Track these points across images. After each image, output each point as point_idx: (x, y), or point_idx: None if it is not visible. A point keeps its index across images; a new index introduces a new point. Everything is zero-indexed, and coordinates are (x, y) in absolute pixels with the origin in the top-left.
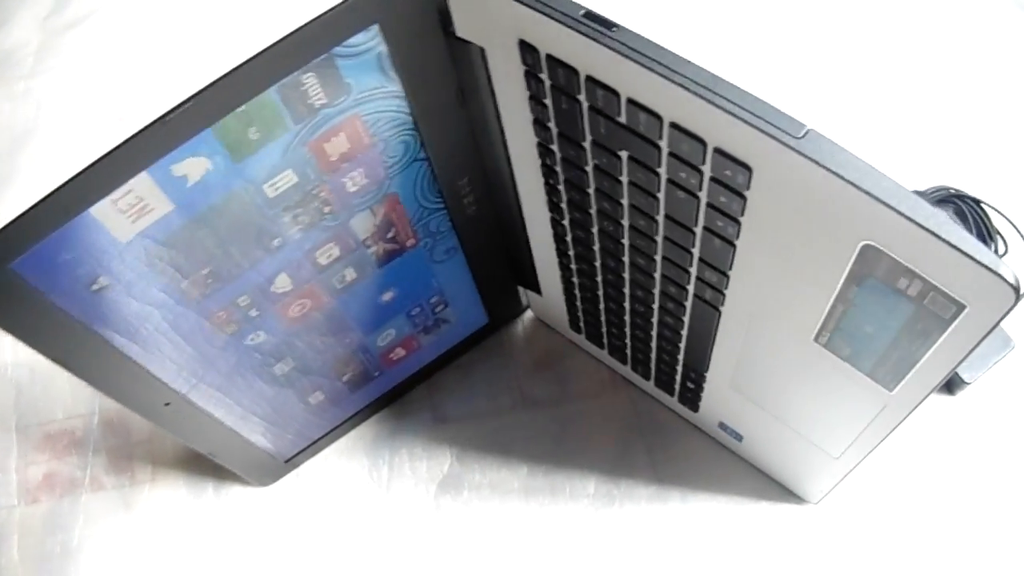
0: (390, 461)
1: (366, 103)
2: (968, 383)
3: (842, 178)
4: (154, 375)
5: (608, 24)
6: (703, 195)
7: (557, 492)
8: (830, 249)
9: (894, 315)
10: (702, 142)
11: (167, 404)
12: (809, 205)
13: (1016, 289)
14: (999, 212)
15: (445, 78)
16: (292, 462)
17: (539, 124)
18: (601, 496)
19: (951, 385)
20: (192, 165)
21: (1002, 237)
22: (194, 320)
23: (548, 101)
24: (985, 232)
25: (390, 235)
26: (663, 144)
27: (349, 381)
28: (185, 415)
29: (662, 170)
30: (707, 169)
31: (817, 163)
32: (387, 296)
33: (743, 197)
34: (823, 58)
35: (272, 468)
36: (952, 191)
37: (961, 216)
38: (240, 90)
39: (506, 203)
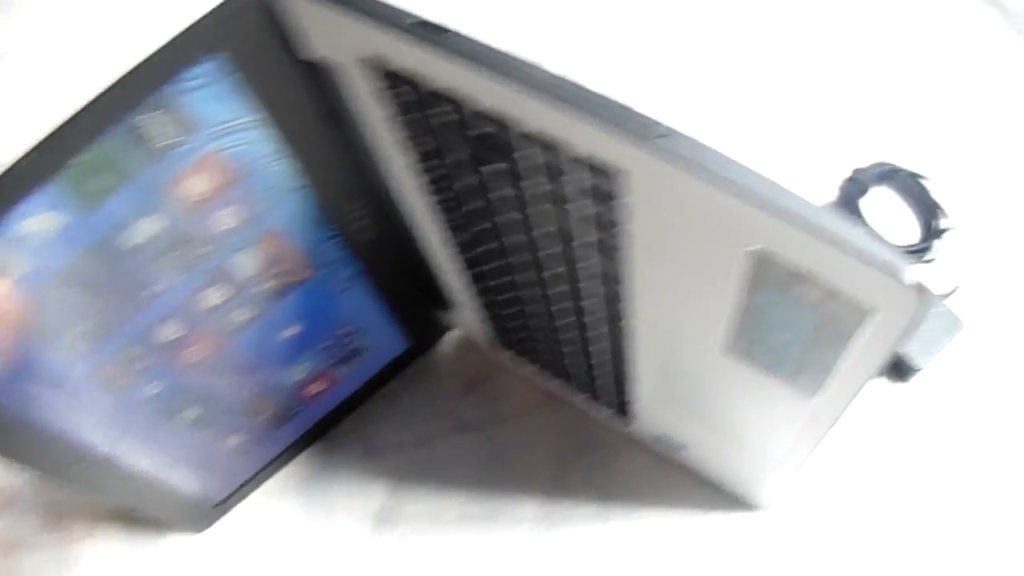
0: (323, 498)
1: (223, 137)
2: (918, 369)
3: (711, 181)
4: (53, 434)
5: (440, 31)
6: (576, 206)
7: (496, 518)
8: (717, 257)
9: (799, 323)
10: (559, 151)
11: (74, 463)
12: (685, 212)
13: (922, 291)
14: (944, 187)
15: (306, 102)
16: (222, 507)
17: (407, 141)
18: (541, 519)
19: (902, 372)
20: (41, 221)
21: (946, 211)
22: (93, 373)
23: (405, 119)
24: (929, 208)
25: (280, 269)
26: (521, 155)
27: (268, 420)
28: (96, 472)
29: (528, 183)
30: (572, 179)
31: (680, 166)
32: (291, 331)
33: (615, 206)
34: (749, 36)
35: (202, 514)
36: (891, 166)
37: (903, 191)
38: (78, 139)
39: (405, 224)
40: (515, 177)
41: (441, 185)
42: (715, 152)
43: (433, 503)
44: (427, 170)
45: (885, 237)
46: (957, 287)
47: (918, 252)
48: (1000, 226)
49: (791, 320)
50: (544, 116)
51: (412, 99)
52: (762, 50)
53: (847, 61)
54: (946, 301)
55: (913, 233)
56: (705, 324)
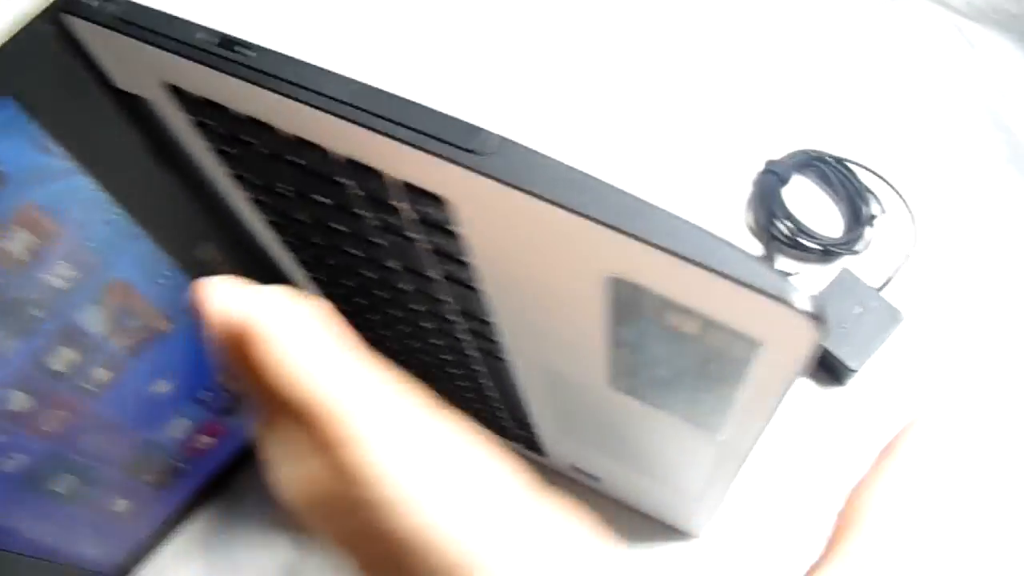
0: (227, 555)
1: (34, 188)
2: (855, 371)
3: (547, 199)
4: None
5: (232, 45)
6: (416, 239)
7: None
8: (574, 286)
9: (682, 357)
10: (379, 175)
11: None
12: (530, 235)
13: (816, 318)
14: (869, 170)
15: (126, 141)
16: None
17: (236, 176)
18: None
19: (839, 375)
20: None
21: (876, 197)
22: None
23: (222, 150)
24: (855, 194)
25: (135, 323)
26: (344, 185)
27: (155, 481)
28: None
29: (360, 216)
30: (403, 206)
31: (511, 184)
32: (162, 386)
33: (455, 235)
34: (644, 27)
35: None
36: (812, 153)
37: (824, 179)
38: None
39: (269, 264)
40: (344, 210)
41: (282, 222)
42: (554, 165)
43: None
44: (263, 206)
45: (813, 231)
46: (892, 277)
47: (846, 243)
48: (934, 209)
49: (673, 354)
50: (350, 138)
51: (222, 129)
52: (658, 39)
53: (753, 42)
54: (882, 293)
55: (838, 224)
56: (582, 359)
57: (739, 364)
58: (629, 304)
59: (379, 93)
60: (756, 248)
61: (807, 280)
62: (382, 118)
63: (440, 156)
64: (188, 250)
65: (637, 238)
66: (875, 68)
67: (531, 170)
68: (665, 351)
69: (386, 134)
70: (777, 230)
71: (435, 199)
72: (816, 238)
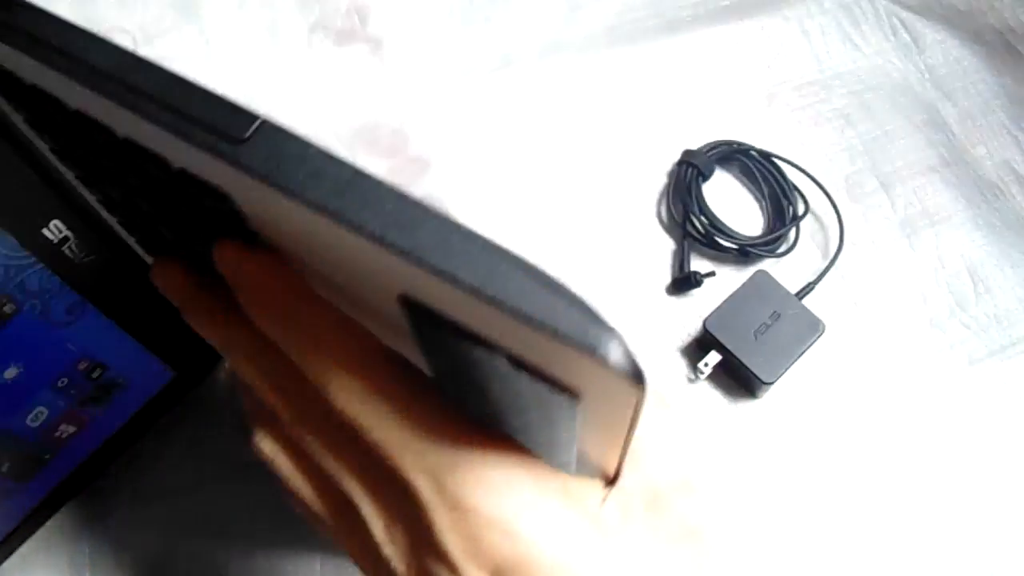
0: (91, 556)
1: None
2: (771, 383)
3: (301, 198)
4: None
5: (4, 3)
6: (219, 232)
7: (283, 572)
8: (379, 303)
9: (503, 395)
10: (165, 164)
11: None
12: (316, 240)
13: (636, 377)
14: (796, 167)
15: None
16: None
17: (53, 151)
18: (333, 570)
19: (752, 387)
20: None
21: (802, 195)
22: None
23: (32, 121)
24: (779, 192)
25: None
26: (141, 168)
27: (12, 472)
28: None
29: (168, 203)
30: (199, 200)
31: (261, 178)
32: (11, 373)
33: (253, 233)
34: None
35: None
36: (735, 145)
37: (748, 174)
38: None
39: (120, 243)
40: (147, 196)
41: (108, 201)
42: (316, 156)
43: (210, 557)
44: (85, 183)
45: (730, 229)
46: (814, 283)
47: (767, 244)
48: (863, 212)
49: (493, 391)
50: (122, 115)
51: (20, 99)
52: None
53: (681, 30)
54: (803, 300)
55: (760, 224)
56: None
57: (561, 409)
58: (432, 330)
59: (147, 65)
60: (668, 245)
61: (723, 282)
62: (144, 95)
63: (193, 142)
64: (33, 228)
65: (398, 251)
66: (811, 61)
67: (288, 161)
68: (485, 388)
69: (141, 113)
70: (692, 226)
71: (216, 192)
72: (733, 237)
